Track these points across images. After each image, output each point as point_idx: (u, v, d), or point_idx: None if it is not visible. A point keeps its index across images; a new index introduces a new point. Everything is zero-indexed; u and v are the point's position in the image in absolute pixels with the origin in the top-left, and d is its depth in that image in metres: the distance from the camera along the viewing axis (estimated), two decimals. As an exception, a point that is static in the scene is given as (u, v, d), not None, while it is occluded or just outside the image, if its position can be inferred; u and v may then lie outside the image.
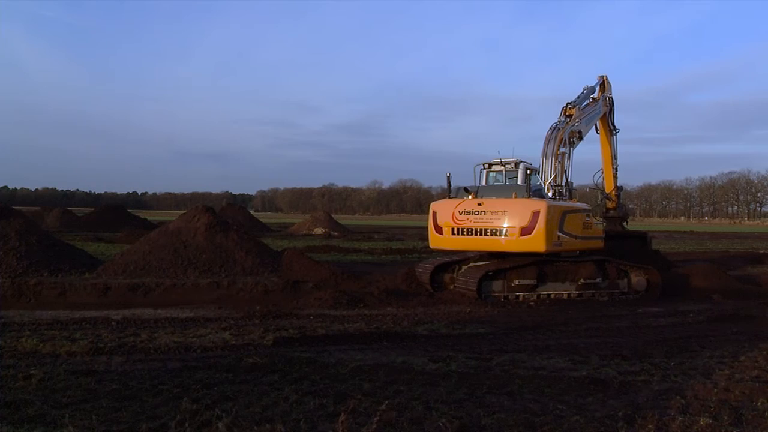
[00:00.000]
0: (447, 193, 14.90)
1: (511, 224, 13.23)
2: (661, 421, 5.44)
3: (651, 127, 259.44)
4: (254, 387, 6.40)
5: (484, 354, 8.28)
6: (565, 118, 15.92)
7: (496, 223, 13.41)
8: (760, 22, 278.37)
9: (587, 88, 17.87)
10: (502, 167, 15.47)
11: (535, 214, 13.06)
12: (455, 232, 13.95)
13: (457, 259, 15.39)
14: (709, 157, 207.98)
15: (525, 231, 13.09)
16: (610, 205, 19.92)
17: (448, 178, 14.83)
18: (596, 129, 19.16)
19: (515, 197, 13.51)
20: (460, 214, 13.88)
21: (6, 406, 5.58)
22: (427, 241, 15.32)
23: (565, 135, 15.15)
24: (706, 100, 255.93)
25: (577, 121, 16.08)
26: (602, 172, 19.91)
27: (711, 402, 6.11)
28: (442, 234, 14.24)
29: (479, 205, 13.73)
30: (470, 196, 14.08)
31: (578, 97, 17.00)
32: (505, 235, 13.31)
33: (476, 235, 13.66)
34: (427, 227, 15.10)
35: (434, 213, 14.48)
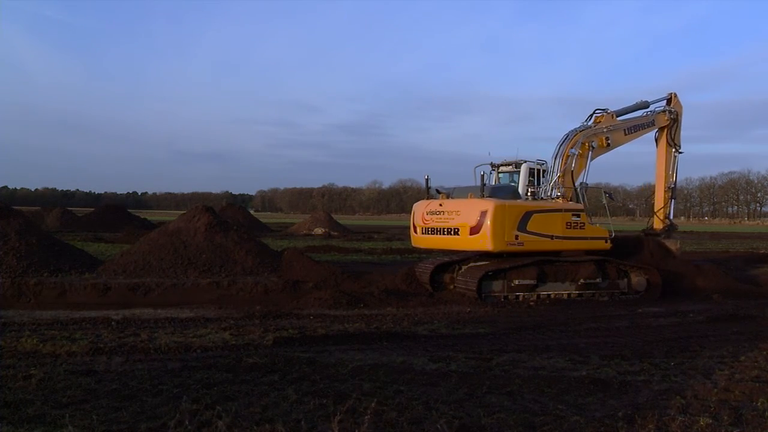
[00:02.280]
0: (425, 194, 15.54)
1: (462, 223, 13.86)
2: (661, 421, 5.45)
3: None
4: (254, 387, 6.40)
5: (484, 354, 8.27)
6: (590, 123, 15.99)
7: (451, 223, 14.12)
8: (760, 22, 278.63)
9: (641, 102, 17.71)
10: (509, 168, 15.62)
11: (483, 214, 13.51)
12: (424, 231, 14.83)
13: (457, 259, 15.39)
14: (709, 157, 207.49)
15: (473, 230, 13.63)
16: (657, 225, 19.15)
17: (427, 180, 15.54)
18: (656, 143, 18.94)
19: (470, 197, 14.09)
20: (427, 214, 14.72)
21: (6, 406, 5.58)
22: None
23: (581, 138, 15.29)
24: (707, 99, 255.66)
25: (606, 128, 16.07)
26: (653, 194, 19.50)
27: (711, 402, 6.11)
28: (417, 233, 15.15)
29: (440, 205, 14.52)
30: (440, 197, 14.78)
31: (623, 108, 17.09)
32: (458, 234, 13.92)
33: (438, 234, 14.44)
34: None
35: (413, 213, 15.30)
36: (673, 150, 18.85)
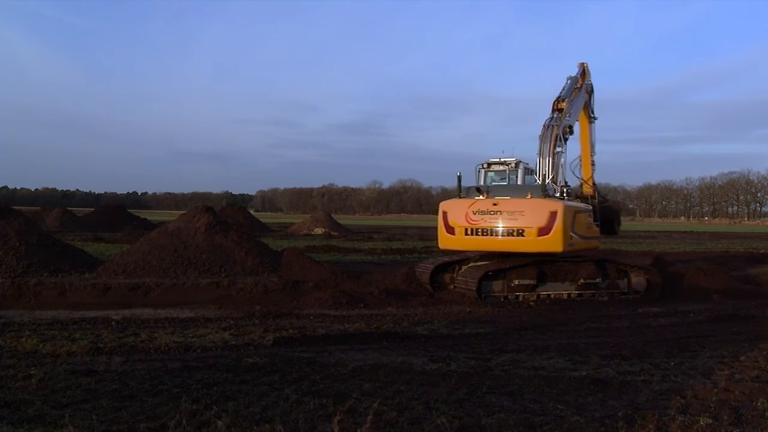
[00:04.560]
0: (457, 192, 14.79)
1: (529, 225, 13.26)
2: (661, 421, 5.44)
3: (651, 126, 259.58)
4: (254, 387, 6.40)
5: (484, 354, 8.27)
6: (557, 114, 15.75)
7: (513, 224, 13.39)
8: (761, 22, 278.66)
9: (570, 78, 17.48)
10: (503, 167, 15.49)
11: (553, 215, 13.17)
12: (469, 232, 13.79)
13: (457, 259, 15.39)
14: (709, 157, 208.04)
15: (542, 231, 13.17)
16: (587, 190, 19.04)
17: (459, 177, 14.75)
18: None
19: (531, 197, 13.56)
20: (474, 214, 13.73)
21: (6, 406, 5.58)
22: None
23: (560, 132, 15.12)
24: (707, 99, 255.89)
25: (568, 115, 15.94)
26: (580, 161, 19.16)
27: (711, 402, 6.11)
28: (453, 234, 14.02)
29: (494, 205, 13.61)
30: (482, 196, 13.97)
31: (565, 90, 16.66)
32: (522, 236, 13.30)
33: (491, 235, 13.59)
34: (435, 227, 14.93)
35: (444, 213, 14.23)
36: (592, 119, 19.21)
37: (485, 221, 13.61)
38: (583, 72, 18.36)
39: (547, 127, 15.16)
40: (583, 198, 18.77)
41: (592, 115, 19.23)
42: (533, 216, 13.27)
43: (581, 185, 19.13)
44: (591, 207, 15.21)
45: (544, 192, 13.67)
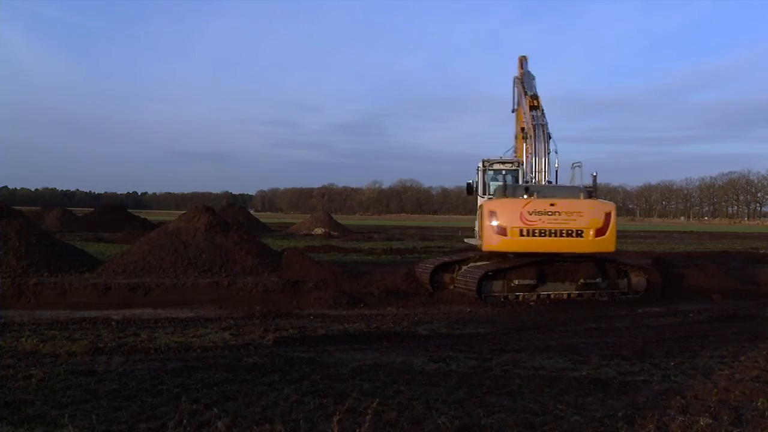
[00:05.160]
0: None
1: (588, 225, 13.36)
2: (661, 421, 5.44)
3: (651, 126, 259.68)
4: (254, 387, 6.41)
5: (484, 354, 8.27)
6: (537, 111, 15.73)
7: (572, 225, 13.37)
8: (760, 22, 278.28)
9: (522, 74, 17.49)
10: (503, 166, 15.53)
11: (608, 215, 13.42)
12: (524, 233, 13.47)
13: (457, 259, 15.40)
14: (709, 157, 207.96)
15: (600, 232, 13.34)
16: None
17: (504, 176, 14.82)
18: (515, 106, 18.49)
19: (583, 198, 13.73)
20: (530, 214, 13.45)
21: (6, 406, 5.58)
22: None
23: (547, 129, 15.19)
24: (707, 99, 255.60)
25: (542, 111, 15.91)
26: (515, 150, 18.24)
27: (711, 402, 6.11)
28: (505, 235, 13.56)
29: (552, 205, 13.45)
30: (532, 196, 13.68)
31: (531, 86, 16.65)
32: (581, 236, 13.40)
33: (549, 236, 13.44)
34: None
35: (493, 213, 13.73)
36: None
37: (543, 222, 13.40)
38: (522, 63, 18.21)
39: (536, 126, 15.18)
40: None
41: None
42: (591, 217, 13.40)
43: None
44: None
45: (590, 193, 13.90)
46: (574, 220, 13.35)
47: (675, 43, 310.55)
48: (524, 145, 15.54)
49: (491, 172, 15.60)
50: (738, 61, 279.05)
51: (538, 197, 13.57)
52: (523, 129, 16.07)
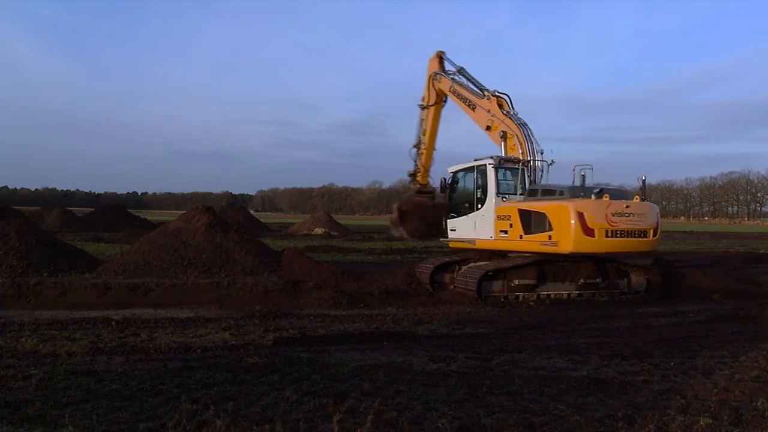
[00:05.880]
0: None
1: (649, 226, 13.84)
2: (661, 421, 5.44)
3: (651, 126, 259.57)
4: (254, 387, 6.41)
5: (484, 354, 8.27)
6: (513, 110, 15.80)
7: (641, 226, 13.75)
8: (761, 22, 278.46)
9: (459, 69, 17.49)
10: (514, 165, 15.46)
11: (657, 215, 14.15)
12: (609, 234, 13.53)
13: (457, 259, 15.39)
14: (709, 157, 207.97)
15: (654, 232, 13.90)
16: (423, 179, 18.87)
17: (583, 177, 14.51)
18: (423, 102, 18.62)
19: (637, 199, 14.02)
20: (613, 216, 13.58)
21: (6, 406, 5.58)
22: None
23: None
24: (707, 99, 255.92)
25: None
26: (422, 147, 18.66)
27: (711, 402, 6.11)
28: (593, 236, 13.49)
29: (627, 207, 13.67)
30: (605, 197, 13.76)
31: (478, 83, 16.78)
32: (645, 237, 13.80)
33: (628, 237, 13.68)
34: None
35: (581, 214, 13.51)
36: (445, 101, 18.66)
37: (623, 223, 13.65)
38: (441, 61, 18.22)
39: (524, 125, 15.19)
40: (420, 191, 18.68)
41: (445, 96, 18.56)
42: (651, 218, 13.86)
43: (415, 174, 18.98)
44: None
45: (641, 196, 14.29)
46: (642, 221, 13.76)
47: (675, 43, 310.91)
48: (503, 145, 15.27)
49: (501, 172, 15.29)
50: (738, 61, 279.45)
51: (597, 198, 13.74)
52: (489, 128, 15.88)
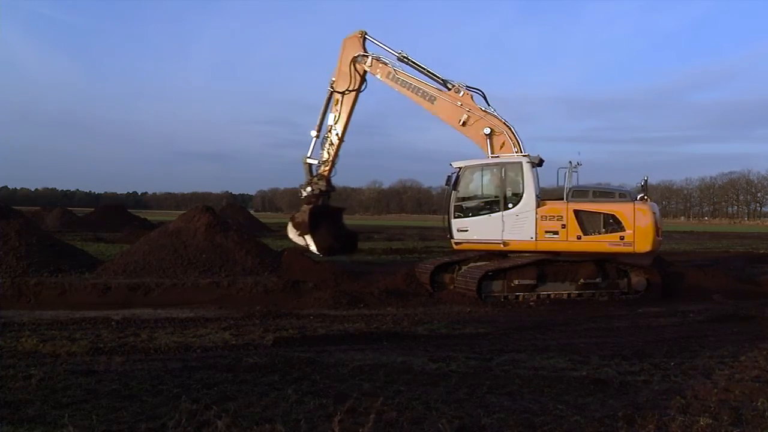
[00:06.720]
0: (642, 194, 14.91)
1: (662, 226, 15.36)
2: (661, 421, 5.44)
3: (651, 126, 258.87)
4: (254, 387, 6.40)
5: (484, 354, 8.27)
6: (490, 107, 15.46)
7: (661, 225, 15.24)
8: (762, 22, 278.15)
9: (401, 58, 16.01)
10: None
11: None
12: (659, 234, 14.81)
13: (457, 259, 15.39)
14: (709, 157, 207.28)
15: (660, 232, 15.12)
16: (325, 171, 16.78)
17: (645, 181, 15.58)
18: (341, 87, 17.10)
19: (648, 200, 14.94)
20: (658, 216, 15.14)
21: (6, 406, 5.58)
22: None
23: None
24: (708, 99, 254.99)
25: None
26: (338, 138, 16.66)
27: (711, 402, 6.11)
28: (659, 236, 14.87)
29: (660, 208, 15.06)
30: (645, 199, 14.84)
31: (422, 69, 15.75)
32: (660, 236, 15.04)
33: (660, 236, 15.03)
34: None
35: (654, 215, 14.40)
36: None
37: (661, 223, 15.20)
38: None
39: (507, 122, 15.02)
40: (318, 187, 16.60)
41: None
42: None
43: (319, 167, 16.72)
44: None
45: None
46: (661, 221, 15.09)
47: (675, 43, 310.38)
48: (489, 143, 14.79)
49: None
50: (738, 61, 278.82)
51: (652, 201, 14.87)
52: (464, 123, 15.12)
